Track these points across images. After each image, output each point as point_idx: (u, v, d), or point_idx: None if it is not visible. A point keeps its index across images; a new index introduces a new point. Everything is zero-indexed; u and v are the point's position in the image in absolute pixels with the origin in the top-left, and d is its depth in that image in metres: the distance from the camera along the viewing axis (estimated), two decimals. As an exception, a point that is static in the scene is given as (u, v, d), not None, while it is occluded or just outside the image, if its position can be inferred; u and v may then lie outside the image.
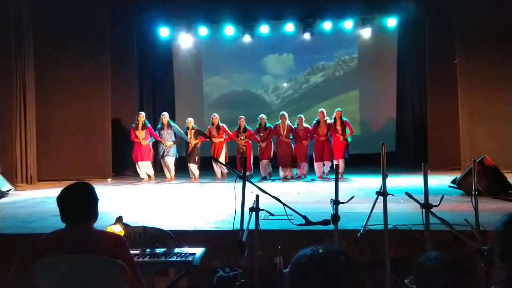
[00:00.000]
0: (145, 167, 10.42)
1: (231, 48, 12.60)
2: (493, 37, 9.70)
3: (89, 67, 10.63)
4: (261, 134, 10.20)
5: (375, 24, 11.74)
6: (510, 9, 9.57)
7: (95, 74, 10.71)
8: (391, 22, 11.74)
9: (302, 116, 10.25)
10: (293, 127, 10.13)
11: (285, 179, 10.08)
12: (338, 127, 9.95)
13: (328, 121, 10.08)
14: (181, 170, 10.85)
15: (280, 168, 10.19)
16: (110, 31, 10.98)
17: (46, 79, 10.48)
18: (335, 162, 9.74)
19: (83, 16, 10.49)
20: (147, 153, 10.34)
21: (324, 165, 10.20)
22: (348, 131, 10.00)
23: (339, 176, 9.60)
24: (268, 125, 10.26)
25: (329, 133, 10.05)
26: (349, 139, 10.07)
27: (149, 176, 10.52)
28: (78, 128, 10.65)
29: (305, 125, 10.13)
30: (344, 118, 10.07)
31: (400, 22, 11.85)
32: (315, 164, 10.14)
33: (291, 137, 10.09)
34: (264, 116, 10.36)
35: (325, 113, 10.08)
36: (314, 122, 10.14)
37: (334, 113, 10.03)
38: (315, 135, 10.08)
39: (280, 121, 10.09)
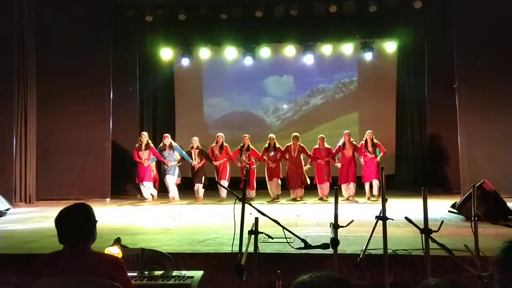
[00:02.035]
0: (148, 188, 10.41)
1: (232, 69, 12.70)
2: (492, 61, 9.79)
3: (90, 88, 10.69)
4: (270, 154, 10.21)
5: (374, 48, 11.84)
6: (509, 33, 9.68)
7: (97, 95, 10.77)
8: (391, 46, 11.84)
9: (323, 136, 10.32)
10: (305, 148, 10.18)
11: (295, 200, 10.09)
12: (370, 148, 9.98)
13: (354, 142, 10.22)
14: (186, 190, 10.81)
15: (291, 190, 10.22)
16: (113, 52, 11.09)
17: (48, 99, 10.53)
18: (375, 183, 9.87)
19: (86, 36, 10.59)
20: (148, 174, 10.35)
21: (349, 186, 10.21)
22: (379, 153, 10.02)
23: (375, 197, 9.81)
24: (277, 145, 10.29)
25: (355, 154, 10.14)
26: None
27: (152, 196, 10.51)
28: (78, 148, 10.65)
29: (327, 145, 10.20)
30: (375, 140, 10.10)
31: (400, 46, 11.97)
32: (342, 186, 10.11)
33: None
34: (273, 136, 10.42)
35: (350, 136, 10.18)
36: (340, 144, 10.20)
37: (366, 135, 10.05)
38: (339, 156, 10.18)
39: (291, 142, 10.16)
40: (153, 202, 10.31)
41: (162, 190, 10.83)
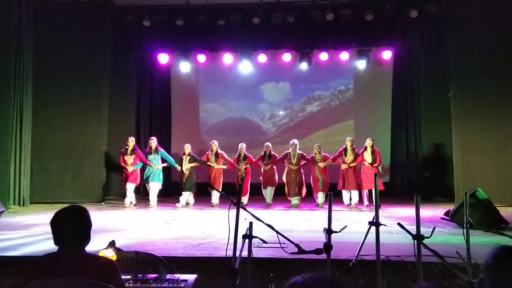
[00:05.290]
0: (129, 190, 10.23)
1: (229, 75, 12.73)
2: (487, 71, 9.85)
3: (87, 91, 10.65)
4: (265, 162, 10.24)
5: (371, 56, 11.92)
6: (504, 43, 9.77)
7: (93, 98, 10.75)
8: (387, 54, 11.92)
9: (319, 144, 10.36)
10: (305, 154, 10.20)
11: (295, 206, 10.01)
12: (370, 156, 10.00)
13: (356, 150, 10.21)
14: (174, 195, 10.79)
15: (291, 198, 10.14)
16: (111, 56, 11.11)
17: (44, 102, 10.50)
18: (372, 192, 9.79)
19: (84, 40, 10.59)
20: (134, 177, 10.23)
21: (350, 193, 10.20)
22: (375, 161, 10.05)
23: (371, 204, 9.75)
24: (272, 153, 10.32)
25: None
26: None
27: (131, 203, 10.26)
28: (73, 152, 10.61)
29: (324, 154, 10.24)
30: (375, 147, 10.13)
31: (395, 55, 12.05)
32: (343, 192, 10.17)
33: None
34: (269, 144, 10.45)
35: (353, 142, 10.21)
36: (341, 149, 10.25)
37: (366, 143, 10.06)
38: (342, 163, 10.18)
39: (290, 149, 10.18)
40: (134, 207, 10.19)
41: (141, 194, 10.72)
